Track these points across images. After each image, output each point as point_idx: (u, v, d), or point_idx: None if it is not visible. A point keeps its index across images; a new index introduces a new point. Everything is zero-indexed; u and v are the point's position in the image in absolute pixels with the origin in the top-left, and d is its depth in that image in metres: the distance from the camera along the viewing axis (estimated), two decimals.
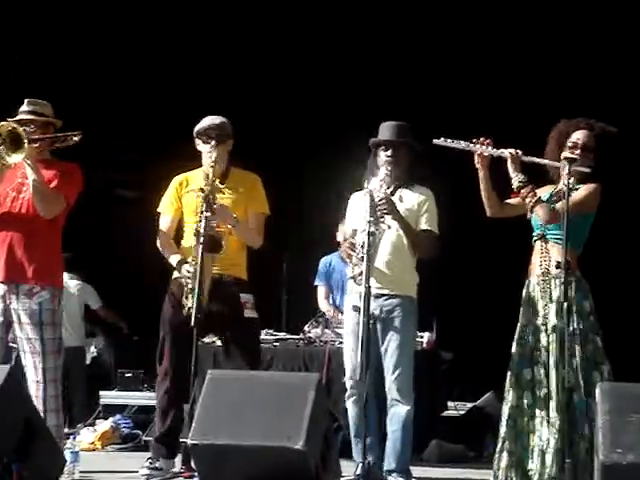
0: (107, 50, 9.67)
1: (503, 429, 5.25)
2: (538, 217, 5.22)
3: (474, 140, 5.27)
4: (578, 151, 5.22)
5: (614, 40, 8.98)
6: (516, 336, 5.31)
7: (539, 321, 5.23)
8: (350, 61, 9.54)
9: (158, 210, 5.96)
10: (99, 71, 9.71)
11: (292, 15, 9.51)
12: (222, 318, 5.70)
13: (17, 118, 5.59)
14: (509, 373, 5.29)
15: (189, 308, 5.47)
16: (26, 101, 5.69)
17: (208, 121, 5.82)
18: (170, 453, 5.71)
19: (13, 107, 5.69)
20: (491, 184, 5.35)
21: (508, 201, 5.40)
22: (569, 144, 5.27)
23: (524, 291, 5.33)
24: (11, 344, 5.80)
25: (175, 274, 5.82)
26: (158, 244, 5.90)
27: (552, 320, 5.15)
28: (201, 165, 5.88)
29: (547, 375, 5.15)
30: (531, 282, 5.31)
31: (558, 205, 5.11)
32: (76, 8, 9.36)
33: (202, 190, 5.61)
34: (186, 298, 5.57)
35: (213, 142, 5.74)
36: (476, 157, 5.29)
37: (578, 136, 5.29)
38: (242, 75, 9.80)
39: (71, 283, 9.46)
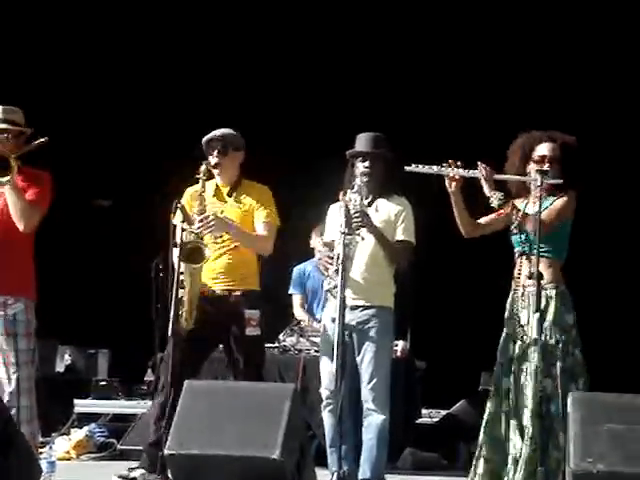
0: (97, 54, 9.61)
1: (481, 436, 5.34)
2: (529, 230, 5.26)
3: (444, 164, 5.34)
4: (547, 164, 5.32)
5: (581, 54, 9.15)
6: (499, 346, 5.38)
7: (519, 332, 5.30)
8: (322, 80, 9.55)
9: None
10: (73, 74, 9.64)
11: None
12: (226, 335, 5.76)
13: None
14: (492, 382, 5.38)
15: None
16: (0, 108, 5.60)
17: (211, 133, 5.89)
18: (152, 466, 5.61)
19: None
20: (463, 205, 5.42)
21: (481, 220, 5.49)
22: (536, 158, 5.37)
23: (508, 303, 5.39)
24: None
25: None
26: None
27: (534, 331, 5.21)
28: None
29: (518, 385, 5.23)
30: (514, 294, 5.38)
31: (544, 216, 5.16)
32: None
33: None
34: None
35: (215, 153, 5.83)
36: (447, 181, 5.36)
37: (543, 149, 5.38)
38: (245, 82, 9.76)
39: None
